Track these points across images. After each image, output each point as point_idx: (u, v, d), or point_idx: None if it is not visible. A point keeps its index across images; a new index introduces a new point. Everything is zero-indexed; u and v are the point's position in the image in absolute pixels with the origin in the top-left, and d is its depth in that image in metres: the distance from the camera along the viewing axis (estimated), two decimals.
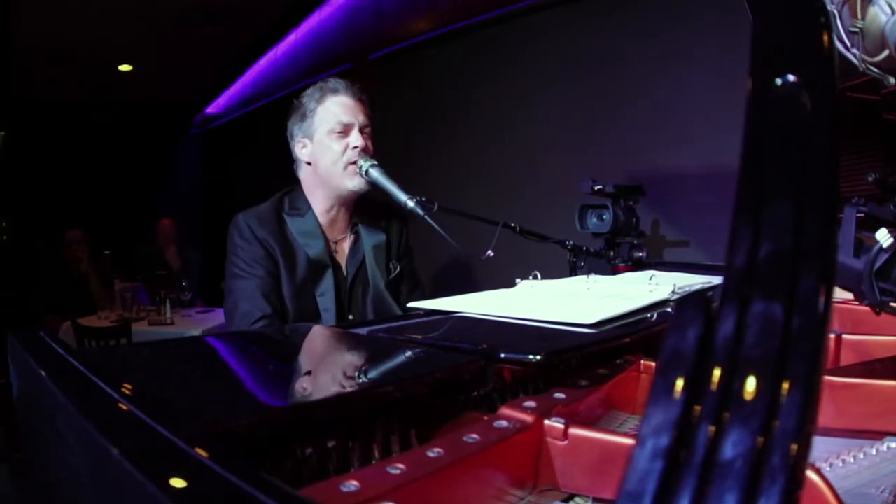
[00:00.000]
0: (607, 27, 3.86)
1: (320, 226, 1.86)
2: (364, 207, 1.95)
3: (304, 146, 1.88)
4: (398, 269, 1.96)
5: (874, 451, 0.75)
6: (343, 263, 1.89)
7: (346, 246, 1.91)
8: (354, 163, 1.81)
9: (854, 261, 0.93)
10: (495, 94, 4.51)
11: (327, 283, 1.82)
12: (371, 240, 1.92)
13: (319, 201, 1.88)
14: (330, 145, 1.83)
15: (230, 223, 1.84)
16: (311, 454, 0.59)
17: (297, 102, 1.91)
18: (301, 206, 1.87)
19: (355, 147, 1.81)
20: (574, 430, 0.67)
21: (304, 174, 1.92)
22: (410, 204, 1.73)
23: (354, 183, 1.83)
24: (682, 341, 0.40)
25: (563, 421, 0.67)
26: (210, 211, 8.47)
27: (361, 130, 1.84)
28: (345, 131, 1.83)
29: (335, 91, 1.86)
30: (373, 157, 1.84)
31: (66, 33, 5.52)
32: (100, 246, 5.58)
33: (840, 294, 1.13)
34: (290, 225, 1.84)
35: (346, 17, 5.29)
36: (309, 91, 1.89)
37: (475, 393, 0.78)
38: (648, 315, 1.14)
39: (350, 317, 1.85)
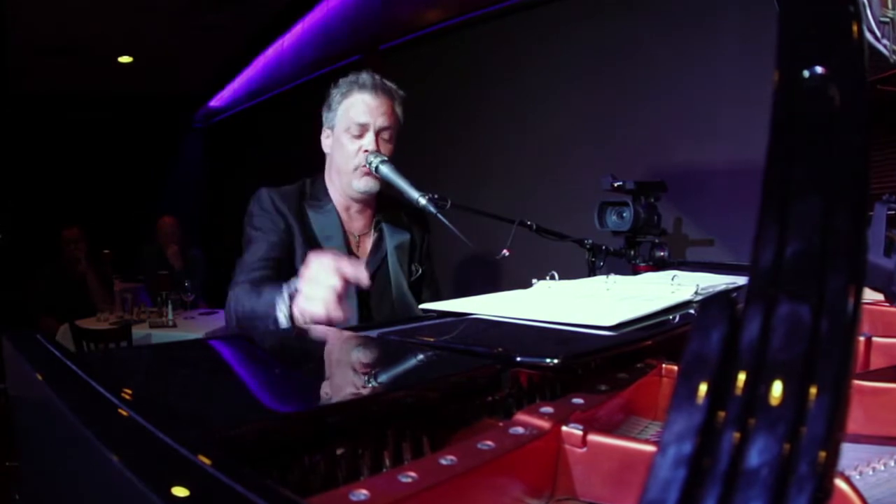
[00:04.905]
0: (628, 18, 3.82)
1: (341, 221, 1.85)
2: (388, 206, 1.94)
3: (327, 136, 1.89)
4: (420, 271, 1.94)
5: None
6: (363, 262, 1.87)
7: (368, 243, 1.90)
8: (365, 165, 1.79)
9: (885, 260, 0.91)
10: (511, 86, 4.47)
11: None
12: (394, 239, 1.90)
13: (336, 195, 1.87)
14: (345, 144, 1.82)
15: (252, 196, 1.81)
16: (319, 462, 0.58)
17: (328, 91, 1.90)
18: (321, 197, 1.86)
19: (366, 151, 1.79)
20: (593, 437, 0.65)
21: (326, 164, 1.92)
22: (422, 201, 1.70)
23: (362, 184, 1.81)
24: (706, 344, 0.39)
25: (581, 427, 0.66)
26: (213, 209, 8.46)
27: (379, 133, 1.81)
28: (360, 133, 1.81)
29: (362, 87, 1.83)
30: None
31: (64, 23, 5.44)
32: (99, 245, 5.54)
33: (870, 295, 1.11)
34: (310, 217, 1.82)
35: (356, 5, 5.21)
36: (340, 80, 1.88)
37: (490, 398, 0.77)
38: (670, 317, 1.12)
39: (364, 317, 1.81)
